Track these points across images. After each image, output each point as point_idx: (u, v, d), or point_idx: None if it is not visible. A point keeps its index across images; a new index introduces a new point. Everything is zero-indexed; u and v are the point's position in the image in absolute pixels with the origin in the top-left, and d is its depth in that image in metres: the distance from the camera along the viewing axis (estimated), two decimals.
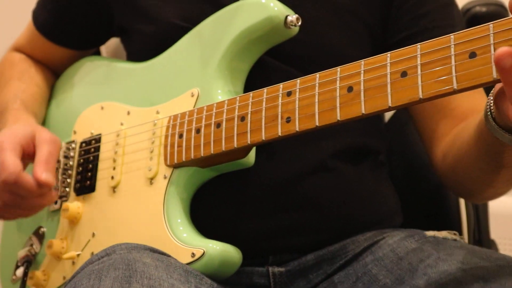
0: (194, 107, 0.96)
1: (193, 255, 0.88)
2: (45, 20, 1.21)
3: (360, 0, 1.02)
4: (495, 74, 0.66)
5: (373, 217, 1.00)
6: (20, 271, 1.12)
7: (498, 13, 1.17)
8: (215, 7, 1.00)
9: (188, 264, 0.88)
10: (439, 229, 0.94)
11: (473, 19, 1.18)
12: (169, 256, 0.89)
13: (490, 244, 1.24)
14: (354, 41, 1.01)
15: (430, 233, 0.93)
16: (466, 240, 1.17)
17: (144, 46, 1.09)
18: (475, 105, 0.98)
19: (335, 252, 0.96)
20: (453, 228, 0.95)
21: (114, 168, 1.03)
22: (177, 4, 1.05)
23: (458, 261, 0.80)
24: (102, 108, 1.11)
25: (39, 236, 1.13)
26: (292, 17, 0.92)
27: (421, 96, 0.70)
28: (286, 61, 0.98)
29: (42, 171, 0.96)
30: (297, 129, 0.81)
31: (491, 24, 0.67)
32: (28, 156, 1.00)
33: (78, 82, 1.19)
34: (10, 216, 1.03)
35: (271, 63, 0.98)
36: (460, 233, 1.16)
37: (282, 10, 0.93)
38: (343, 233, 0.97)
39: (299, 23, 0.93)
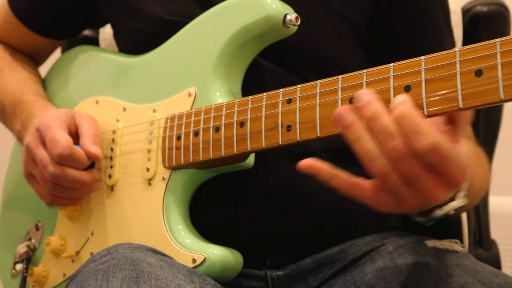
0: (191, 107, 0.94)
1: (194, 260, 0.88)
2: (24, 7, 1.16)
3: (350, 2, 0.99)
4: (502, 95, 0.64)
5: (371, 219, 0.99)
6: (20, 266, 1.12)
7: (499, 12, 1.15)
8: (204, 2, 0.98)
9: None
10: (439, 230, 0.93)
11: (473, 18, 1.16)
12: (171, 257, 0.89)
13: (491, 244, 1.25)
14: (343, 43, 0.99)
15: (430, 243, 0.91)
16: (467, 241, 1.17)
17: (133, 42, 1.07)
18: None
19: (334, 255, 0.95)
20: (453, 228, 0.94)
21: (111, 167, 1.02)
22: None
23: (459, 284, 0.80)
24: (97, 102, 1.09)
25: (37, 231, 1.13)
26: (291, 16, 0.90)
27: (425, 113, 0.69)
28: (277, 62, 0.96)
29: (91, 144, 0.98)
30: (298, 139, 0.80)
31: (498, 42, 0.65)
32: (71, 135, 1.00)
33: (71, 73, 1.16)
34: (59, 194, 1.02)
35: (263, 65, 0.96)
36: (461, 233, 1.15)
37: (281, 9, 0.90)
38: (341, 237, 0.96)
39: (298, 22, 0.90)
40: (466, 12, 1.20)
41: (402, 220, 1.05)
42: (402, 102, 0.67)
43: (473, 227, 1.21)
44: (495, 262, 1.24)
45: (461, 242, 1.08)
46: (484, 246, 1.22)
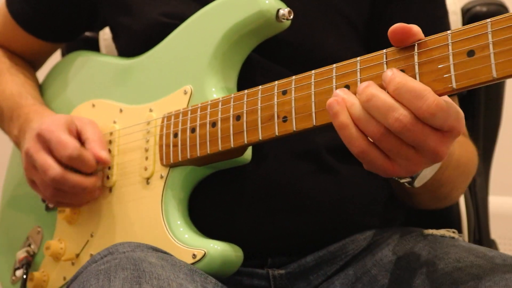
0: (187, 105, 0.95)
1: (194, 256, 0.88)
2: (23, 10, 1.17)
3: (350, 3, 1.00)
4: (495, 73, 0.65)
5: (372, 217, 0.99)
6: (20, 272, 1.12)
7: (498, 13, 1.17)
8: (202, 3, 0.99)
9: None
10: (438, 228, 0.94)
11: (473, 18, 1.17)
12: (171, 255, 0.88)
13: (491, 244, 1.25)
14: (340, 40, 1.00)
15: (428, 231, 0.93)
16: (466, 240, 1.18)
17: (131, 43, 1.08)
18: None
19: (334, 252, 0.96)
20: (453, 228, 0.95)
21: (109, 168, 1.02)
22: (162, 0, 1.03)
23: (454, 259, 0.81)
24: (93, 105, 1.09)
25: (37, 236, 1.13)
26: (284, 10, 0.91)
27: None
28: (274, 59, 0.97)
29: (100, 149, 0.98)
30: (294, 129, 0.80)
31: (489, 22, 0.66)
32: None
33: (68, 78, 1.17)
34: (61, 200, 1.01)
35: (259, 61, 0.97)
36: (460, 233, 1.16)
37: (273, 4, 0.91)
38: (342, 233, 0.97)
39: (291, 17, 0.91)
40: (465, 12, 1.22)
41: (404, 217, 1.05)
42: (393, 75, 0.68)
43: (473, 227, 1.21)
44: None
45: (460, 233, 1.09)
46: (484, 246, 1.22)
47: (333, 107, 0.71)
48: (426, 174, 0.84)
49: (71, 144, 0.96)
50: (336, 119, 0.71)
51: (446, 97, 0.69)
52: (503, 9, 1.19)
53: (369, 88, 0.69)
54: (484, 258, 0.80)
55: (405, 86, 0.67)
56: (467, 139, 1.05)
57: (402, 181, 0.82)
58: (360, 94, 0.70)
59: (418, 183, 0.84)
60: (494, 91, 1.26)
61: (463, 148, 0.97)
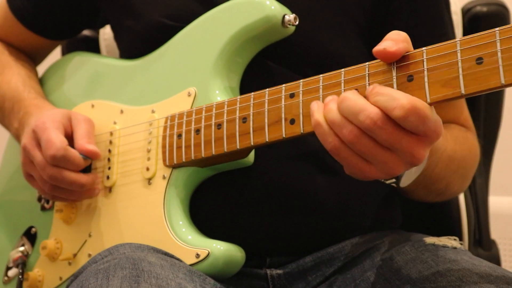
0: (191, 107, 0.96)
1: (197, 255, 0.89)
2: (24, 7, 1.17)
3: (354, 1, 1.01)
4: (503, 80, 0.68)
5: (372, 218, 1.00)
6: (12, 272, 1.11)
7: (498, 13, 1.19)
8: (205, 6, 1.00)
9: (192, 265, 0.88)
10: (439, 230, 0.94)
11: (473, 19, 1.18)
12: (172, 256, 0.89)
13: (491, 244, 1.26)
14: (346, 40, 1.01)
15: (429, 240, 0.93)
16: (467, 241, 1.19)
17: (133, 44, 1.08)
18: (456, 115, 1.05)
19: (333, 253, 0.97)
20: (453, 228, 0.96)
21: (109, 168, 1.02)
22: (164, 2, 1.04)
23: (457, 277, 0.80)
24: (92, 106, 1.09)
25: (31, 236, 1.12)
26: (290, 16, 0.92)
27: (428, 101, 0.72)
28: (279, 62, 0.98)
29: (87, 143, 0.99)
30: (302, 131, 0.82)
31: (497, 31, 0.68)
32: (68, 137, 1.00)
33: (66, 78, 1.17)
34: (59, 195, 1.02)
35: (264, 63, 0.98)
36: (461, 233, 1.16)
37: (279, 10, 0.93)
38: (341, 235, 0.98)
39: (297, 22, 0.93)
40: (466, 12, 1.23)
41: (402, 220, 1.07)
42: (373, 86, 0.72)
43: (473, 227, 1.22)
44: (495, 262, 1.23)
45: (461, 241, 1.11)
46: (484, 246, 1.23)
47: (311, 107, 0.76)
48: (411, 175, 0.85)
49: (57, 144, 0.96)
50: (312, 117, 0.75)
51: (428, 106, 0.70)
52: (503, 9, 1.21)
53: (345, 93, 0.73)
54: (488, 278, 0.80)
55: (381, 92, 0.70)
56: (469, 134, 1.06)
57: (387, 182, 0.84)
58: (338, 99, 0.73)
59: (403, 183, 0.85)
60: (494, 91, 1.28)
61: (458, 144, 0.98)
